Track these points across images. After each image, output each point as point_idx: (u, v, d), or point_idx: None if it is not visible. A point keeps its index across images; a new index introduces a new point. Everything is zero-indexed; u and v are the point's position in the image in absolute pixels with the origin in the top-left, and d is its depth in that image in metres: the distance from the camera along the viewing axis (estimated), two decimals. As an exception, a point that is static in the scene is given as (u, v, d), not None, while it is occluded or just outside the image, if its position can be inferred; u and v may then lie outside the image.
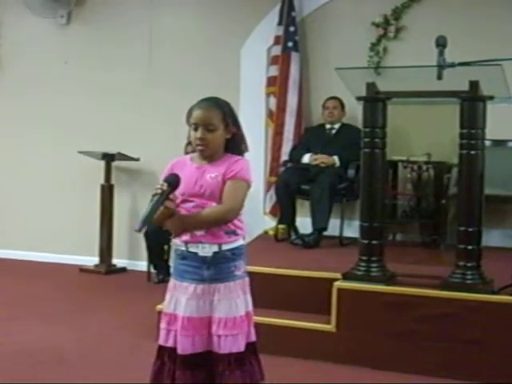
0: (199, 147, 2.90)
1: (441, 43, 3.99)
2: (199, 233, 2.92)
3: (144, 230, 2.82)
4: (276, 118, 6.77)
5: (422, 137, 5.74)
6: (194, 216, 2.89)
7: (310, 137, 6.61)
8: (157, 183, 2.88)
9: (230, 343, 2.90)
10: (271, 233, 6.56)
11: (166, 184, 2.82)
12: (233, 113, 2.99)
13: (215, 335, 2.91)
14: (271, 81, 6.86)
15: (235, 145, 2.99)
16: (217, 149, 2.94)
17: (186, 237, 2.94)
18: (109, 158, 7.25)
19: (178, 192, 2.92)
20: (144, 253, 7.07)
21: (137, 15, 7.48)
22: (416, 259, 5.21)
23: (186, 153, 3.06)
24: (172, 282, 3.04)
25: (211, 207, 2.89)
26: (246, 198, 2.94)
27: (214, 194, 2.89)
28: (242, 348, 2.93)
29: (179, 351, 2.92)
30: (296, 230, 6.35)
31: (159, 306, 4.72)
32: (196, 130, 2.91)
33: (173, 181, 2.86)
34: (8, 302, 5.97)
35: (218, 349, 2.91)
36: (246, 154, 3.04)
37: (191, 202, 2.92)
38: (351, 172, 6.13)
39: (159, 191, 2.79)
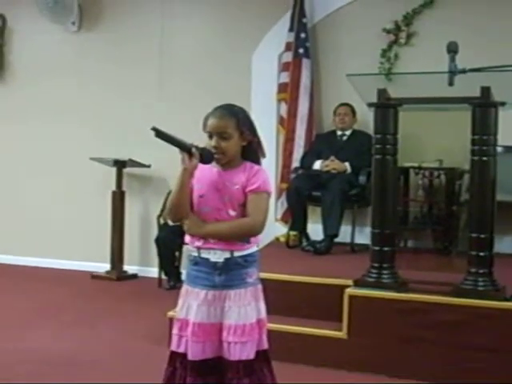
0: (215, 156, 2.90)
1: (452, 49, 3.97)
2: (212, 239, 2.92)
3: (154, 133, 2.83)
4: (287, 124, 6.77)
5: (434, 143, 5.75)
6: (217, 225, 2.90)
7: (321, 143, 6.60)
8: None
9: (239, 350, 2.88)
10: (282, 239, 6.54)
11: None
12: (248, 120, 2.98)
13: (225, 342, 2.90)
14: (282, 87, 6.87)
15: (252, 152, 2.99)
16: (233, 156, 2.93)
17: (198, 243, 2.94)
18: (120, 164, 7.26)
19: (197, 193, 2.94)
20: (155, 259, 7.07)
21: (148, 17, 7.51)
22: (427, 266, 5.20)
23: None
24: (184, 287, 3.04)
25: (236, 220, 2.90)
26: (268, 209, 2.97)
27: (232, 200, 2.90)
28: (251, 356, 2.91)
29: (189, 357, 2.91)
30: (307, 237, 6.34)
31: (170, 313, 4.73)
32: (211, 138, 2.92)
33: (206, 153, 2.88)
34: (21, 309, 5.98)
35: (227, 355, 2.90)
36: (262, 160, 3.04)
37: (209, 206, 2.92)
38: (362, 178, 6.12)
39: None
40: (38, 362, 4.55)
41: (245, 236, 2.93)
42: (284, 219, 6.74)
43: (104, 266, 7.40)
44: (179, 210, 2.91)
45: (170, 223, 6.50)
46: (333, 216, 6.01)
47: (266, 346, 3.01)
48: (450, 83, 3.92)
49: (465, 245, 4.58)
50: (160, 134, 2.84)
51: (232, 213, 2.90)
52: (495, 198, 4.36)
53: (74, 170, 7.77)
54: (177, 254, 6.94)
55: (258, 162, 2.99)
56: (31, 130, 7.93)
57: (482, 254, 4.31)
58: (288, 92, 6.77)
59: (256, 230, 2.92)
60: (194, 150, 2.85)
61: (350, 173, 6.27)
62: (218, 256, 2.92)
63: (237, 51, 7.14)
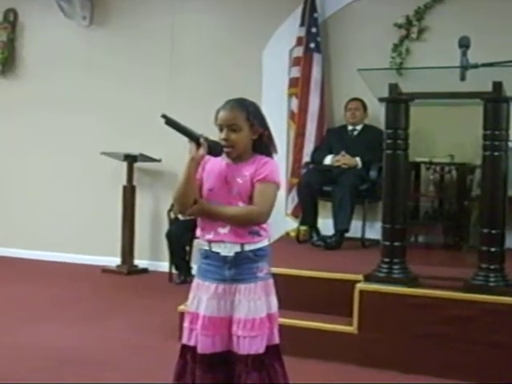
0: (225, 149, 2.91)
1: (464, 44, 3.95)
2: (223, 231, 2.91)
3: (164, 120, 2.85)
4: (298, 119, 6.77)
5: (445, 138, 5.73)
6: (223, 208, 2.90)
7: (332, 138, 6.59)
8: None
9: (248, 344, 2.89)
10: (293, 234, 6.54)
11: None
12: (259, 113, 2.98)
13: (235, 335, 2.91)
14: (293, 82, 6.86)
15: (263, 145, 2.99)
16: (243, 149, 2.94)
17: (209, 236, 2.95)
18: (131, 159, 7.28)
19: (206, 187, 2.95)
20: (166, 253, 7.09)
21: (158, 12, 7.52)
22: (438, 261, 5.19)
23: None
24: (195, 281, 3.05)
25: (242, 206, 2.90)
26: (275, 200, 2.95)
27: (241, 193, 2.90)
28: (260, 350, 2.91)
29: (199, 350, 2.92)
30: (318, 232, 6.33)
31: (181, 307, 4.74)
32: (221, 130, 2.92)
33: (215, 145, 2.89)
34: (31, 303, 6.01)
35: (237, 349, 2.91)
36: (275, 156, 3.04)
37: (218, 199, 2.92)
38: (373, 173, 6.11)
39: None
40: (49, 358, 4.55)
41: (249, 223, 2.91)
42: (294, 214, 6.74)
43: (115, 260, 7.42)
44: (185, 199, 2.90)
45: (181, 217, 6.52)
46: (343, 211, 6.00)
47: (277, 340, 3.02)
48: (462, 78, 3.91)
49: (476, 240, 4.57)
50: (169, 122, 2.86)
51: (241, 205, 2.91)
52: (507, 193, 4.35)
53: (84, 164, 7.78)
54: (187, 248, 6.95)
55: (269, 156, 2.99)
56: (42, 125, 7.96)
57: (493, 249, 4.30)
58: (299, 87, 6.77)
59: (261, 219, 2.92)
60: (202, 139, 2.85)
61: (361, 168, 6.26)
62: (228, 250, 2.92)
63: (248, 46, 7.13)
